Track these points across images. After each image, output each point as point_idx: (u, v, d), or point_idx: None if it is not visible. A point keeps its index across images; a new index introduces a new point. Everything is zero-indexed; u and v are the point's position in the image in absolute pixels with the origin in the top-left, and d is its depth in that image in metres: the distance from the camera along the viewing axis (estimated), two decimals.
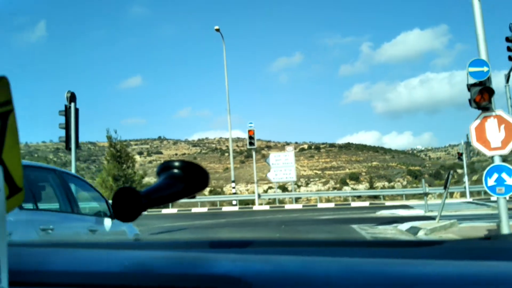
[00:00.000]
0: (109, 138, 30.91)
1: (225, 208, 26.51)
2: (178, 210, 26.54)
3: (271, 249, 1.16)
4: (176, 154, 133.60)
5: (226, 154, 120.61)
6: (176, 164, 0.92)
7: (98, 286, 0.78)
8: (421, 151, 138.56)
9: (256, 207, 25.63)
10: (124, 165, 30.81)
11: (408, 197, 28.26)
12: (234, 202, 27.13)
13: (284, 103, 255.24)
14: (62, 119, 11.41)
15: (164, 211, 26.37)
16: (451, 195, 26.98)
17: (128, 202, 0.77)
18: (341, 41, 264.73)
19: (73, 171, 10.95)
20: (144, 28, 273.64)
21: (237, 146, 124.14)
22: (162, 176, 0.92)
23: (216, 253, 1.10)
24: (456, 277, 0.69)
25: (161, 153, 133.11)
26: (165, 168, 0.93)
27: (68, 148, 10.94)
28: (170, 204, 26.98)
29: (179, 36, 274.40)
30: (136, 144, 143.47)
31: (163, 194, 0.86)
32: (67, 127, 10.93)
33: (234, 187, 28.19)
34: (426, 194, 16.62)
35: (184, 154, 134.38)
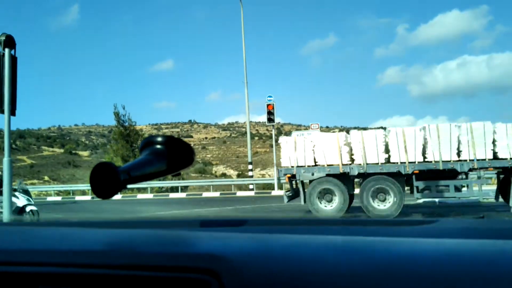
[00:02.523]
0: (116, 114, 28.33)
1: (241, 193, 23.57)
2: (187, 195, 23.82)
3: (263, 228, 1.14)
4: (206, 138, 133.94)
5: (256, 138, 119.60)
6: (159, 139, 0.90)
7: (80, 265, 0.77)
8: None
9: (275, 192, 22.66)
10: (134, 145, 28.36)
11: None
12: (251, 187, 24.21)
13: (316, 87, 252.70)
14: None
15: (172, 195, 23.76)
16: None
17: (105, 178, 0.74)
18: (376, 23, 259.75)
19: (6, 142, 8.25)
20: (176, 11, 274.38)
21: (267, 130, 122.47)
22: (145, 152, 0.89)
23: (201, 231, 1.06)
24: (448, 255, 0.70)
25: (191, 136, 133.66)
26: (147, 143, 0.91)
27: (0, 111, 8.18)
28: (180, 188, 24.57)
29: (210, 19, 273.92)
30: (166, 128, 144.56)
31: (144, 171, 0.84)
32: None
33: (251, 169, 25.14)
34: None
35: (214, 138, 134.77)
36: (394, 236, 0.87)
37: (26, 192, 11.70)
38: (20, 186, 11.77)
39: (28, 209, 11.27)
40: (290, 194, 12.39)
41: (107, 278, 0.77)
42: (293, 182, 12.37)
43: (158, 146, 0.90)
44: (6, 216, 8.28)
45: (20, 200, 11.21)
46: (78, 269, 0.78)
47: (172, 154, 0.90)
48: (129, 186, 0.82)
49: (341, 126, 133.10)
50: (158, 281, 0.75)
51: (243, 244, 0.83)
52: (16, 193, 11.16)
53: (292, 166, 11.86)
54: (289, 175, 11.99)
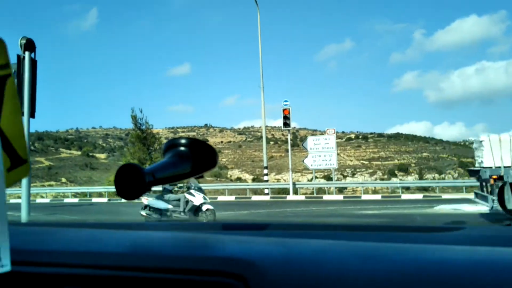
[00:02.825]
0: (133, 118, 28.57)
1: (256, 197, 23.52)
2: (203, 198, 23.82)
3: (287, 232, 1.12)
4: (221, 142, 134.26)
5: (272, 142, 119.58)
6: (183, 141, 0.90)
7: (100, 266, 0.77)
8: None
9: (290, 197, 22.58)
10: (151, 148, 28.53)
11: (459, 190, 24.41)
12: (266, 191, 24.16)
13: (332, 92, 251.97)
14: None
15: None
16: None
17: (131, 180, 0.74)
18: (393, 28, 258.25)
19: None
20: (193, 15, 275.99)
21: (282, 135, 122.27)
22: (168, 154, 0.89)
23: (225, 235, 1.05)
24: (479, 263, 0.69)
25: (207, 140, 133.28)
26: (171, 146, 0.91)
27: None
28: None
29: (227, 24, 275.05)
30: (183, 131, 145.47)
31: (168, 172, 0.83)
32: (19, 85, 8.23)
33: (266, 174, 25.10)
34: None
35: (230, 142, 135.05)
36: (423, 242, 0.85)
37: (200, 190, 11.13)
38: (195, 184, 11.15)
39: (204, 208, 10.76)
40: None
41: (131, 280, 0.76)
42: (492, 184, 11.11)
43: (182, 148, 0.90)
44: (24, 216, 8.37)
45: (197, 199, 10.78)
46: (103, 271, 0.77)
47: (195, 157, 0.90)
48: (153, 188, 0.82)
49: (357, 132, 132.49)
50: (183, 285, 0.74)
51: (269, 248, 0.82)
52: (192, 191, 10.85)
53: (498, 167, 10.99)
54: (495, 176, 10.91)
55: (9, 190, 30.95)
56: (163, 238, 0.97)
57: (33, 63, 8.56)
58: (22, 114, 8.40)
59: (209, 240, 0.93)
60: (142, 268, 0.75)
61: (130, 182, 0.74)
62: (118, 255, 0.81)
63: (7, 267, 0.60)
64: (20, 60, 8.46)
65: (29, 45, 8.50)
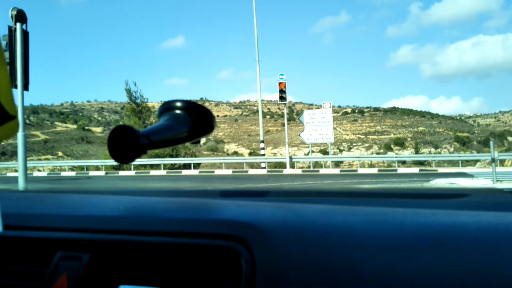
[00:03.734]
0: (128, 91, 28.35)
1: (252, 171, 23.55)
2: (199, 172, 23.89)
3: (288, 198, 1.09)
4: (217, 116, 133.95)
5: (268, 116, 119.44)
6: (179, 104, 0.87)
7: (99, 230, 0.75)
8: (470, 117, 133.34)
9: (286, 171, 22.63)
10: (147, 122, 28.45)
11: (455, 164, 24.54)
12: (263, 165, 24.20)
13: (328, 66, 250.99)
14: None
15: (185, 172, 23.82)
16: (502, 163, 23.03)
17: (125, 142, 0.71)
18: (389, 1, 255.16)
19: (20, 117, 8.26)
20: None
21: (278, 109, 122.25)
22: (164, 117, 0.86)
23: (225, 200, 1.01)
24: (483, 227, 0.68)
25: None
26: (167, 108, 0.88)
27: (13, 85, 8.15)
28: (192, 165, 24.67)
29: None
30: None
31: (164, 136, 0.80)
32: (11, 57, 8.09)
33: (263, 148, 25.11)
34: (494, 161, 13.22)
35: (226, 115, 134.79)
36: (431, 208, 0.82)
37: None
38: None
39: None
40: None
41: (128, 244, 0.74)
42: None
43: (178, 112, 0.86)
44: (21, 184, 8.37)
45: None
46: (98, 234, 0.75)
47: (192, 120, 0.86)
48: (147, 154, 0.79)
49: (354, 106, 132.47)
50: (182, 248, 0.71)
51: (271, 211, 0.79)
52: None
53: None
54: None
55: (5, 164, 30.94)
56: (161, 202, 0.93)
57: (25, 34, 8.43)
58: (16, 86, 8.29)
59: (209, 204, 0.90)
60: (139, 231, 0.73)
61: (124, 145, 0.71)
62: (114, 218, 0.78)
63: None
64: (12, 31, 8.33)
65: (20, 16, 8.35)
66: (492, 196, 1.11)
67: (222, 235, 0.69)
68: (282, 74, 23.06)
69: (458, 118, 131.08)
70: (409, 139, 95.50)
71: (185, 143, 0.88)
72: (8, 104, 0.58)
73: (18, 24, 8.28)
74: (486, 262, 0.59)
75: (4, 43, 8.28)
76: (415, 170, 22.41)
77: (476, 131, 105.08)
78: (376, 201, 1.01)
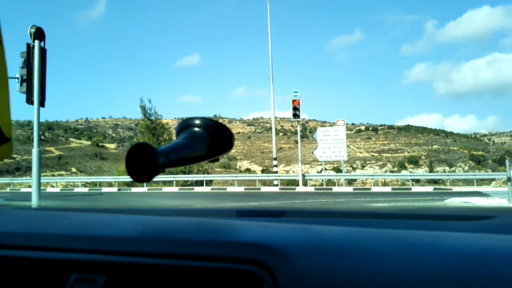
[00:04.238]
0: (143, 108, 28.58)
1: (265, 189, 23.47)
2: (211, 189, 23.86)
3: (307, 219, 1.05)
4: None
5: (281, 134, 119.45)
6: (198, 122, 0.86)
7: (116, 252, 0.73)
8: (485, 135, 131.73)
9: (299, 189, 22.52)
10: (160, 138, 28.58)
11: (470, 183, 24.22)
12: (275, 182, 24.12)
13: (342, 83, 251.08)
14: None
15: (197, 189, 23.81)
16: None
17: (143, 161, 0.69)
18: (404, 19, 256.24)
19: (35, 133, 8.34)
20: (203, 6, 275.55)
21: (292, 126, 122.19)
22: (183, 134, 0.85)
23: (243, 220, 0.98)
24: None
25: None
26: (186, 126, 0.87)
27: (29, 102, 8.26)
28: (204, 182, 24.67)
29: (237, 14, 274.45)
30: None
31: (183, 154, 0.79)
32: (28, 73, 8.21)
33: (275, 165, 25.04)
34: (510, 179, 13.00)
35: (239, 132, 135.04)
36: (458, 231, 0.79)
37: None
38: None
39: None
40: None
41: (145, 267, 0.71)
42: None
43: (197, 129, 0.85)
44: (34, 201, 8.40)
45: None
46: (114, 256, 0.73)
47: (211, 138, 0.84)
48: (158, 176, 0.75)
49: (367, 123, 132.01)
50: (201, 272, 0.68)
51: (293, 234, 0.75)
52: None
53: None
54: None
55: (20, 180, 31.22)
56: (178, 222, 0.90)
57: (43, 51, 8.58)
58: (32, 103, 8.40)
59: (229, 225, 0.86)
60: (156, 254, 0.71)
61: (142, 163, 0.69)
62: (130, 239, 0.75)
63: None
64: (30, 48, 8.47)
65: (39, 34, 8.50)
66: None
67: (243, 259, 0.66)
68: (296, 92, 23.11)
69: (473, 136, 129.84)
70: (423, 157, 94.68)
71: (203, 161, 0.87)
72: (5, 127, 0.58)
73: (36, 42, 8.43)
74: None
75: (22, 60, 8.42)
76: (429, 188, 22.16)
77: (491, 150, 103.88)
78: (397, 223, 0.97)
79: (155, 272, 0.71)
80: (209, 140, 0.84)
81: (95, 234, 0.80)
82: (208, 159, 0.87)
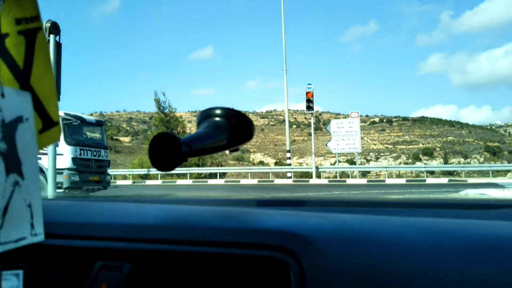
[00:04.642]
0: (157, 101, 28.73)
1: (278, 181, 23.51)
2: (225, 181, 23.96)
3: (330, 208, 1.03)
4: None
5: (294, 126, 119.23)
6: (219, 111, 0.86)
7: (141, 240, 0.74)
8: (501, 126, 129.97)
9: (312, 181, 22.51)
10: (174, 131, 28.73)
11: (485, 174, 23.98)
12: (289, 175, 24.14)
13: (356, 75, 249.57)
14: None
15: (211, 181, 23.91)
16: None
17: (166, 150, 0.70)
18: (419, 9, 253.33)
19: None
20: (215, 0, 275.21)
21: (305, 118, 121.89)
22: (204, 124, 0.86)
23: (266, 209, 0.95)
24: None
25: None
26: (207, 116, 0.87)
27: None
28: (218, 175, 24.77)
29: (250, 6, 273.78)
30: None
31: (205, 143, 0.80)
32: None
33: (289, 158, 25.04)
34: None
35: None
36: (481, 219, 0.77)
37: None
38: None
39: None
40: None
41: (170, 254, 0.72)
42: None
43: (218, 119, 0.85)
44: (50, 193, 8.53)
45: None
46: (139, 244, 0.73)
47: (232, 128, 0.85)
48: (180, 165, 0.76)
49: (382, 115, 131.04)
50: (227, 259, 0.69)
51: (319, 222, 0.74)
52: None
53: None
54: None
55: None
56: (203, 211, 0.90)
57: (58, 46, 8.63)
58: None
59: (253, 213, 0.86)
60: (182, 241, 0.71)
61: (166, 152, 0.70)
62: (155, 227, 0.76)
63: (40, 236, 0.57)
64: None
65: (54, 28, 8.57)
66: None
67: (270, 246, 0.66)
68: (309, 84, 23.06)
69: (488, 127, 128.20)
70: (438, 149, 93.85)
71: (224, 150, 0.87)
72: (53, 111, 0.59)
73: (51, 36, 8.49)
74: None
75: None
76: (444, 180, 22.00)
77: (507, 141, 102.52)
78: (423, 211, 0.96)
79: (180, 259, 0.71)
80: (230, 130, 0.85)
81: (120, 222, 0.81)
82: (229, 148, 0.87)
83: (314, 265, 0.61)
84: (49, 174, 8.71)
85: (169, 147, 0.69)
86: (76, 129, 13.71)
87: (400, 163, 77.57)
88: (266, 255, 0.66)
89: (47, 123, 0.58)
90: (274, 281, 0.67)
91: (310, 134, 25.47)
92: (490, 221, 0.75)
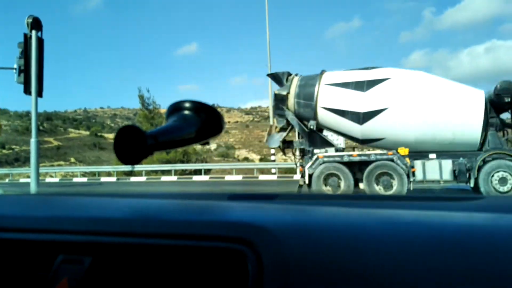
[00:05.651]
0: (141, 98, 28.61)
1: (263, 177, 23.55)
2: (210, 178, 23.95)
3: (297, 201, 1.07)
4: (229, 122, 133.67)
5: None
6: (188, 105, 0.86)
7: (103, 233, 0.73)
8: None
9: (296, 177, 22.59)
10: None
11: None
12: (273, 171, 24.21)
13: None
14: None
15: (195, 178, 23.87)
16: None
17: (131, 143, 0.69)
18: (403, 6, 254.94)
19: (33, 124, 8.41)
20: None
21: None
22: (172, 117, 0.85)
23: (232, 202, 0.99)
24: (499, 229, 0.67)
25: None
26: (175, 109, 0.87)
27: (27, 92, 8.30)
28: (203, 171, 24.74)
29: (234, 3, 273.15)
30: None
31: (172, 137, 0.79)
32: (26, 63, 8.25)
33: (273, 154, 25.12)
34: None
35: (237, 122, 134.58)
36: (444, 210, 0.80)
37: None
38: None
39: None
40: None
41: (131, 247, 0.73)
42: None
43: (187, 112, 0.85)
44: (33, 190, 8.50)
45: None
46: (101, 237, 0.73)
47: (201, 121, 0.85)
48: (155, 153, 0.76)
49: None
50: (187, 251, 0.70)
51: (279, 214, 0.77)
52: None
53: None
54: None
55: (18, 170, 31.22)
56: (165, 204, 0.92)
57: (40, 42, 8.60)
58: (30, 93, 8.45)
59: (215, 206, 0.87)
60: (142, 234, 0.71)
61: (131, 145, 0.69)
62: (117, 220, 0.76)
63: None
64: (27, 39, 8.49)
65: (36, 24, 8.52)
66: (507, 199, 1.09)
67: (228, 238, 0.67)
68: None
69: None
70: None
71: (193, 144, 0.88)
72: None
73: (33, 32, 8.45)
74: (502, 264, 0.57)
75: (19, 50, 8.45)
76: None
77: None
78: (385, 204, 0.98)
79: (141, 252, 0.73)
80: (198, 123, 0.84)
81: (82, 216, 0.81)
82: (198, 142, 0.87)
83: (272, 256, 0.62)
84: (32, 172, 8.67)
85: (134, 140, 0.69)
86: None
87: None
88: (226, 246, 0.67)
89: None
90: (235, 272, 0.69)
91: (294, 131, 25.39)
92: (446, 212, 0.78)
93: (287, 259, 0.61)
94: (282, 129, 12.38)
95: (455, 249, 0.60)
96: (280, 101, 11.95)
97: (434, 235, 0.63)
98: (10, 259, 0.79)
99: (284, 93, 12.01)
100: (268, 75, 14.92)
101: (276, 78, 12.73)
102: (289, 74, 12.70)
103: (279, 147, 12.74)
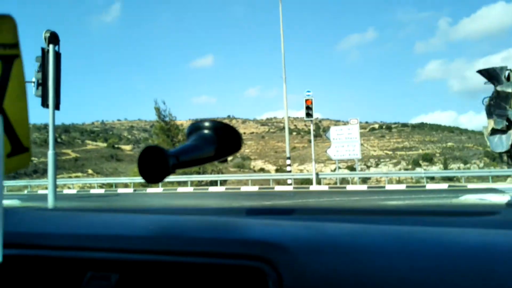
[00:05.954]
0: (157, 110, 28.82)
1: (279, 188, 23.47)
2: (226, 189, 23.94)
3: (315, 216, 1.08)
4: (244, 133, 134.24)
5: (294, 133, 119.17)
6: (207, 124, 0.89)
7: (129, 250, 0.76)
8: None
9: (313, 187, 22.50)
10: (175, 139, 28.78)
11: (485, 179, 23.91)
12: (289, 181, 24.13)
13: (355, 82, 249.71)
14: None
15: (211, 189, 23.90)
16: None
17: (154, 162, 0.72)
18: (417, 17, 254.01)
19: (50, 136, 8.49)
20: (216, 7, 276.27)
21: (305, 125, 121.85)
22: (192, 137, 0.89)
23: (251, 219, 1.01)
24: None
25: None
26: (195, 128, 0.90)
27: (45, 105, 8.41)
28: (219, 182, 24.77)
29: (249, 15, 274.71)
30: None
31: (192, 156, 0.82)
32: (43, 77, 8.36)
33: (289, 164, 25.05)
34: None
35: (252, 133, 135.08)
36: (461, 226, 0.80)
37: None
38: None
39: None
40: None
41: (156, 264, 0.74)
42: None
43: (206, 131, 0.89)
44: (50, 202, 8.56)
45: None
46: (127, 254, 0.76)
47: (220, 140, 0.88)
48: (171, 176, 0.79)
49: (381, 122, 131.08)
50: (209, 269, 0.71)
51: (298, 231, 0.78)
52: None
53: None
54: None
55: (37, 182, 31.62)
56: (188, 221, 0.93)
57: (57, 55, 8.72)
58: (47, 106, 8.56)
59: (236, 223, 0.89)
60: (166, 251, 0.74)
61: (154, 165, 0.72)
62: (142, 238, 0.79)
63: None
64: (45, 53, 8.63)
65: (53, 38, 8.65)
66: None
67: (249, 255, 0.68)
68: (308, 91, 23.07)
69: None
70: (437, 154, 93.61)
71: (212, 162, 0.91)
72: (24, 136, 0.61)
73: (51, 46, 8.58)
74: None
75: (37, 64, 8.59)
76: (444, 186, 21.96)
77: None
78: (403, 219, 0.98)
79: (165, 269, 0.74)
80: (217, 142, 0.88)
81: (108, 233, 0.83)
82: (217, 159, 0.90)
83: (292, 273, 0.63)
84: (49, 184, 8.74)
85: (157, 160, 0.72)
86: None
87: (400, 169, 77.33)
88: (246, 264, 0.68)
89: (17, 148, 0.60)
90: None
91: (310, 141, 25.44)
92: (462, 229, 0.77)
93: (305, 277, 0.62)
94: (499, 131, 10.81)
95: (469, 268, 0.60)
96: (503, 99, 10.37)
97: (446, 253, 0.64)
98: (39, 276, 0.80)
99: (510, 90, 10.51)
100: (478, 71, 12.74)
101: (491, 74, 11.10)
102: (510, 70, 10.99)
103: (508, 151, 11.04)
